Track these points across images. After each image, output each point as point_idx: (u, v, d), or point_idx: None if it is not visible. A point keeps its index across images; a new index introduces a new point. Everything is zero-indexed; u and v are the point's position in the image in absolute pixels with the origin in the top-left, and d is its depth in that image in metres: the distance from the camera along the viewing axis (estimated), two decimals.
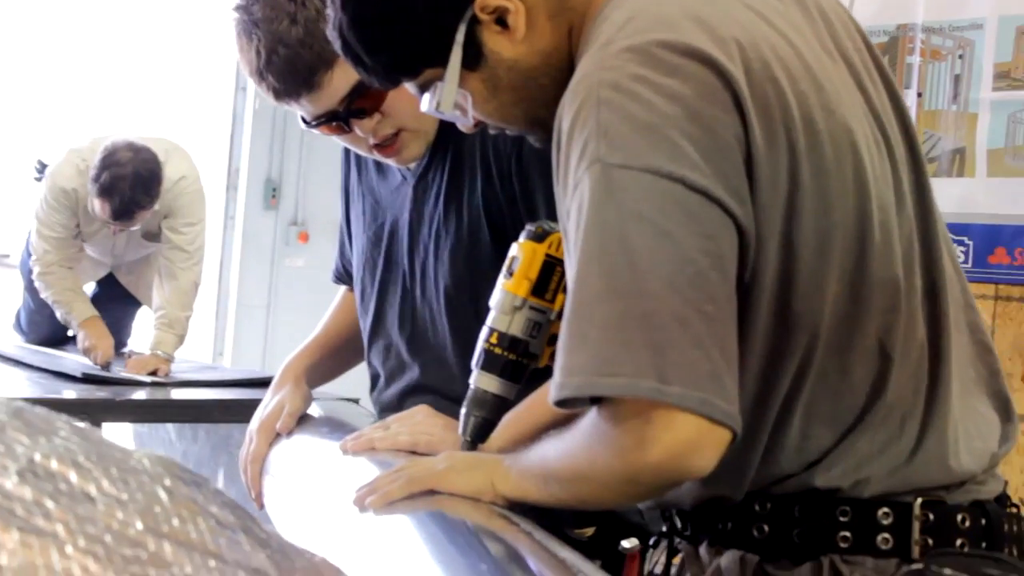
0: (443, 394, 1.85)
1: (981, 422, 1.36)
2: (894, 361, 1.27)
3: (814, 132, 1.24)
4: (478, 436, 1.52)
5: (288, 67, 1.75)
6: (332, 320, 2.27)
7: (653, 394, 1.12)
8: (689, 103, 1.19)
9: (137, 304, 4.55)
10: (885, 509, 1.27)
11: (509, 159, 1.81)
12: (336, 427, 1.98)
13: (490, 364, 1.51)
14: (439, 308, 1.91)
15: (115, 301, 4.46)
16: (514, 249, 1.53)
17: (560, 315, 1.51)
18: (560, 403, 1.19)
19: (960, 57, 3.10)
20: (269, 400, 2.08)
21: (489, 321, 1.53)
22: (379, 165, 2.01)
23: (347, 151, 2.13)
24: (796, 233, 1.22)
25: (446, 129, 1.85)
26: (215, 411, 3.39)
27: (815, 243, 1.23)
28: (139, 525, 0.88)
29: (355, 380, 2.37)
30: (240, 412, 3.38)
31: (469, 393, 1.53)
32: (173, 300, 4.12)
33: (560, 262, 1.51)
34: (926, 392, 1.30)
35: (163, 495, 0.95)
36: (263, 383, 3.76)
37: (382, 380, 2.03)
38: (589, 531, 1.48)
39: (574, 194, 1.21)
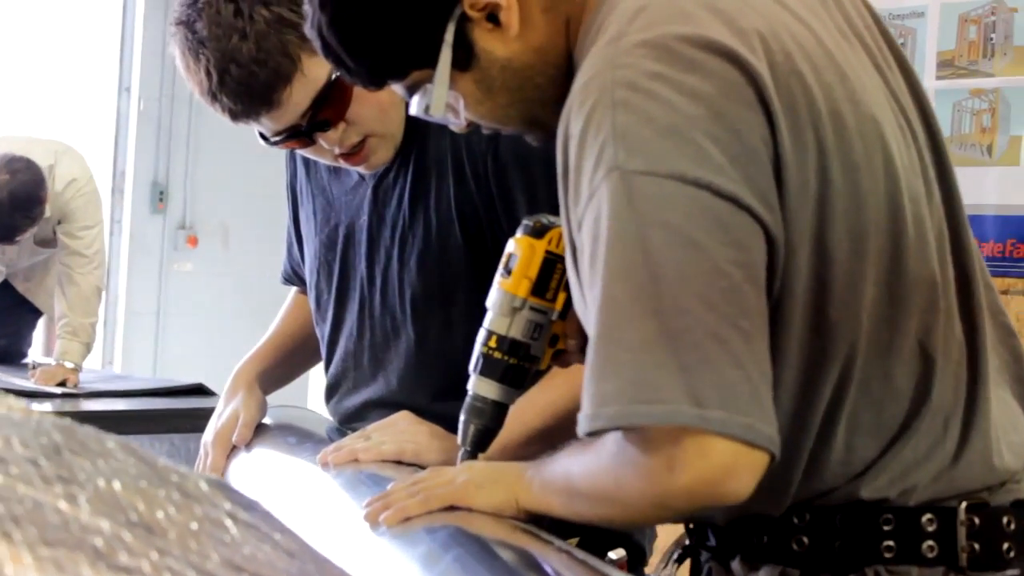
0: (409, 407, 1.79)
1: (1013, 414, 1.31)
2: (936, 362, 1.22)
3: (842, 126, 1.18)
4: (478, 446, 1.45)
5: (243, 87, 1.65)
6: (283, 323, 2.18)
7: (695, 421, 1.07)
8: (712, 102, 1.13)
9: (36, 312, 4.39)
10: (929, 515, 1.22)
11: (484, 158, 1.74)
12: (299, 437, 1.90)
13: (489, 369, 1.45)
14: (404, 317, 1.84)
15: (11, 309, 4.30)
16: (511, 246, 1.46)
17: (562, 315, 1.46)
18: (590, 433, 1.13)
19: (902, 45, 3.12)
20: (222, 410, 1.99)
21: (487, 323, 1.46)
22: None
23: (291, 163, 2.06)
24: (828, 236, 1.17)
25: (410, 127, 1.78)
26: (131, 423, 3.27)
27: (849, 245, 1.17)
28: (215, 557, 0.82)
29: (294, 387, 2.30)
30: (157, 423, 3.28)
31: (467, 400, 1.46)
32: (76, 307, 3.99)
33: (561, 259, 1.45)
34: (966, 390, 1.25)
35: (229, 523, 0.89)
36: (178, 392, 3.68)
37: (342, 389, 1.96)
38: (573, 541, 1.43)
39: (589, 204, 1.13)
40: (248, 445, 1.90)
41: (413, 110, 1.33)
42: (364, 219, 1.88)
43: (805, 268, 1.16)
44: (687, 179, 1.10)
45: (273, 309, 6.63)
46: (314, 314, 2.01)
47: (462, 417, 1.46)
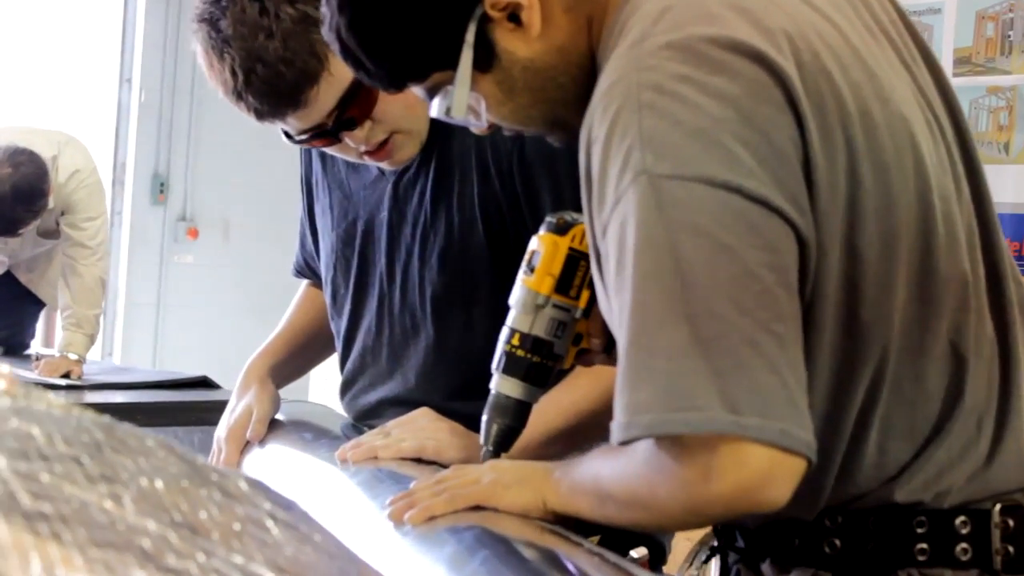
0: (426, 404, 1.77)
1: None
2: (968, 361, 1.21)
3: (872, 126, 1.17)
4: (501, 445, 1.44)
5: (269, 87, 1.62)
6: (295, 316, 2.16)
7: (731, 428, 1.05)
8: (740, 104, 1.11)
9: (39, 304, 4.38)
10: (963, 518, 1.21)
11: (510, 157, 1.73)
12: (314, 433, 1.89)
13: (512, 367, 1.43)
14: (424, 314, 1.83)
15: (14, 300, 4.29)
16: (534, 243, 1.45)
17: (586, 313, 1.45)
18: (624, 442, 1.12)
19: None
20: (235, 404, 1.98)
21: (510, 321, 1.45)
22: None
23: (306, 157, 2.04)
24: (859, 237, 1.15)
25: (434, 123, 1.77)
26: (136, 415, 3.25)
27: (880, 246, 1.16)
28: (259, 558, 0.82)
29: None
30: (162, 416, 3.26)
31: (490, 399, 1.45)
32: (80, 298, 3.97)
33: (584, 256, 1.44)
34: (999, 389, 1.24)
35: (270, 523, 0.88)
36: (183, 385, 3.67)
37: (358, 386, 1.95)
38: (594, 539, 1.42)
39: (615, 209, 1.12)
40: (262, 441, 1.88)
41: (434, 112, 1.32)
42: (384, 215, 1.86)
43: (836, 270, 1.15)
44: (716, 182, 1.09)
45: (273, 302, 6.62)
46: (330, 309, 2.00)
47: (485, 416, 1.45)
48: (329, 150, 1.78)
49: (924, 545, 1.21)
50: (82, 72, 6.38)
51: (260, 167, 6.45)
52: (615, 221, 1.12)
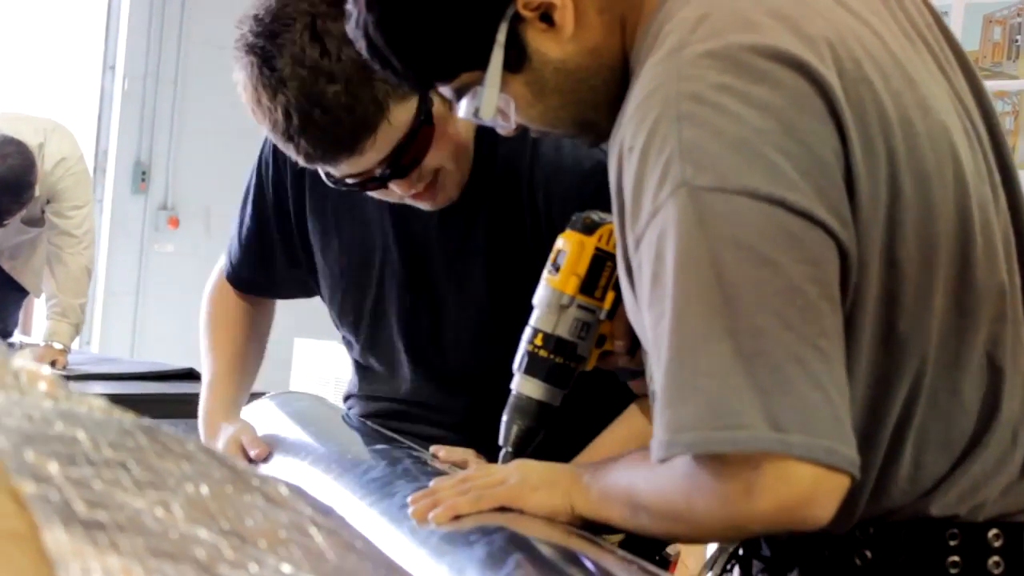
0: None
1: None
2: (1005, 373, 1.19)
3: (912, 135, 1.15)
4: (521, 447, 1.42)
5: (326, 135, 1.53)
6: (231, 343, 2.03)
7: (776, 446, 1.03)
8: (782, 114, 1.09)
9: (22, 292, 4.33)
10: (995, 531, 1.19)
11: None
12: (319, 439, 1.83)
13: (534, 368, 1.42)
14: (455, 358, 1.80)
15: None
16: (560, 242, 1.43)
17: (610, 314, 1.43)
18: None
19: None
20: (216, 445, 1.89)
21: (533, 320, 1.43)
22: None
23: (274, 154, 1.89)
24: (899, 249, 1.13)
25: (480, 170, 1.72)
26: (121, 407, 3.21)
27: (919, 257, 1.14)
28: (307, 567, 0.79)
29: None
30: (148, 407, 3.22)
31: (511, 399, 1.43)
32: (65, 287, 3.93)
33: (611, 256, 1.42)
34: None
35: (313, 530, 0.86)
36: (169, 377, 3.63)
37: (368, 403, 1.92)
38: (616, 538, 1.40)
39: (651, 222, 1.10)
40: (267, 459, 1.81)
41: (461, 113, 1.30)
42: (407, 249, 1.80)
43: (875, 282, 1.13)
44: (759, 195, 1.06)
45: None
46: (338, 321, 1.93)
47: (505, 417, 1.43)
48: (372, 193, 1.70)
49: (956, 558, 1.20)
50: (65, 58, 6.32)
51: (242, 157, 6.28)
52: (651, 233, 1.10)
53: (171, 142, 6.44)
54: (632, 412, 1.67)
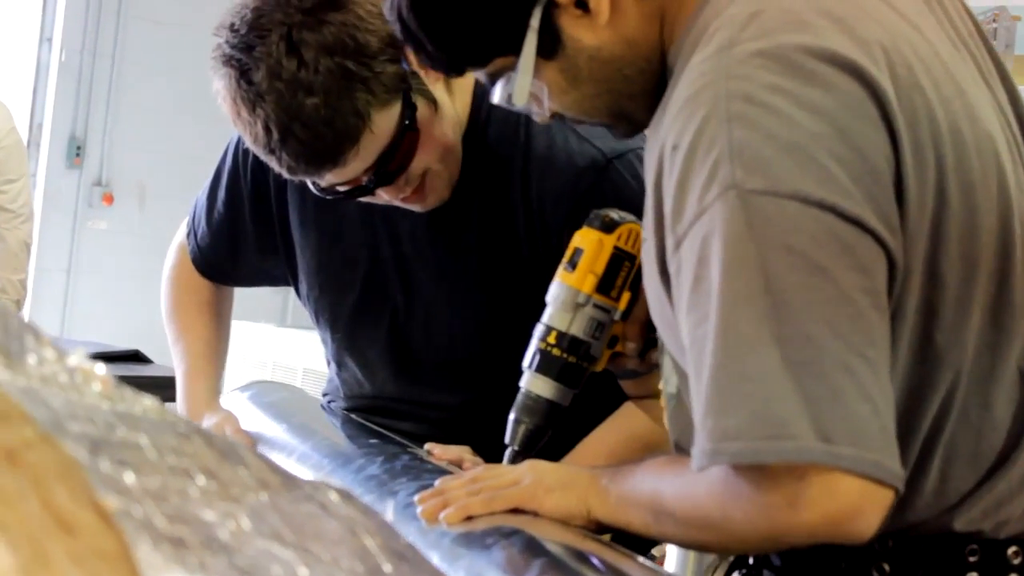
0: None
1: None
2: None
3: (961, 144, 1.13)
4: (528, 446, 1.39)
5: (307, 149, 1.50)
6: (204, 328, 1.97)
7: (825, 458, 1.01)
8: (835, 119, 1.06)
9: None
10: (1015, 548, 1.18)
11: (560, 232, 1.61)
12: (299, 435, 1.78)
13: (546, 366, 1.38)
14: (448, 358, 1.76)
15: None
16: (577, 239, 1.40)
17: (625, 315, 1.40)
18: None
19: None
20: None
21: (546, 318, 1.39)
22: None
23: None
24: (942, 260, 1.11)
25: (471, 172, 1.68)
26: None
27: (961, 269, 1.12)
28: (361, 569, 0.76)
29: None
30: None
31: (519, 398, 1.39)
32: (3, 263, 3.84)
33: (629, 256, 1.39)
34: None
35: (369, 542, 0.82)
36: (114, 358, 3.54)
37: (346, 395, 1.87)
38: (606, 537, 1.37)
39: (696, 224, 1.07)
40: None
41: (495, 99, 1.27)
42: (393, 248, 1.76)
43: (916, 293, 1.11)
44: (811, 200, 1.04)
45: None
46: (319, 323, 1.88)
47: (512, 415, 1.40)
48: (361, 198, 1.66)
49: (975, 574, 1.18)
50: (1, 30, 6.17)
51: (180, 135, 6.31)
52: (695, 235, 1.07)
53: (107, 117, 6.32)
54: (625, 412, 1.64)
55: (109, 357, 3.54)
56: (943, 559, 1.18)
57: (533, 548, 1.16)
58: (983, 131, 1.15)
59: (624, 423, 1.63)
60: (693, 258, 1.07)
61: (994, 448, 1.17)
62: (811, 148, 1.05)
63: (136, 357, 3.53)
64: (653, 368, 1.46)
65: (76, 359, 0.72)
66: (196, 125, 6.34)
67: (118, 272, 6.37)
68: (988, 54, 1.27)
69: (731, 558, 1.38)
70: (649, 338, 1.41)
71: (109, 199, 6.38)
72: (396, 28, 1.27)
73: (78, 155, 6.28)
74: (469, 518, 1.25)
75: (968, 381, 1.15)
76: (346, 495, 0.86)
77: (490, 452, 1.62)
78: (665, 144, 1.12)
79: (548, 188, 1.64)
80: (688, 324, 1.09)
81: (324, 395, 1.95)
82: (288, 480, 0.81)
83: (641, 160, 1.63)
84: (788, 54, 1.09)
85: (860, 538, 1.05)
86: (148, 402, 0.76)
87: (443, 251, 1.72)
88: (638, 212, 1.48)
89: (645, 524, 1.20)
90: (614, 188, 1.61)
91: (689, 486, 1.13)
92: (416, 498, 1.29)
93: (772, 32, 1.10)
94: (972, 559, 1.18)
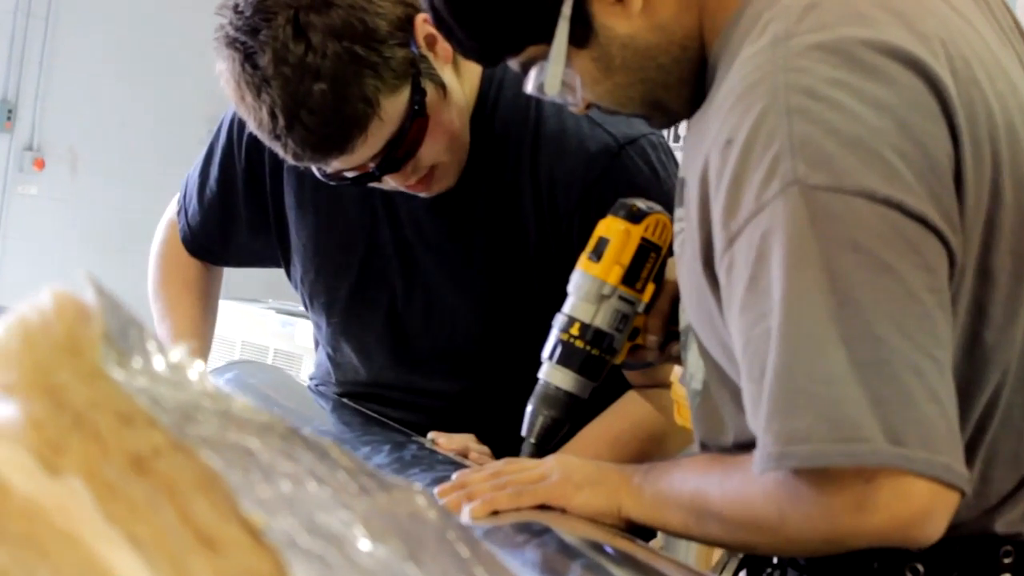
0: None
1: None
2: None
3: (1016, 140, 1.11)
4: (546, 438, 1.36)
5: (314, 136, 1.47)
6: (191, 307, 1.93)
7: (898, 461, 0.99)
8: (898, 113, 1.05)
9: None
10: None
11: (570, 218, 1.62)
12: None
13: (568, 358, 1.35)
14: (449, 344, 1.73)
15: None
16: (602, 227, 1.37)
17: (648, 308, 1.37)
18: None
19: None
20: None
21: (568, 309, 1.36)
22: None
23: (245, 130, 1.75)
24: (993, 257, 1.10)
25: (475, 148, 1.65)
26: None
27: (1012, 266, 1.11)
28: None
29: None
30: None
31: (538, 389, 1.36)
32: None
33: (655, 247, 1.36)
34: None
35: (461, 549, 0.78)
36: None
37: (338, 380, 1.82)
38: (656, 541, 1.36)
39: (754, 219, 1.05)
40: None
41: (528, 88, 1.24)
42: (397, 233, 1.73)
43: (967, 291, 1.10)
44: (877, 197, 1.02)
45: (119, 241, 6.34)
46: (311, 305, 1.84)
47: (530, 406, 1.37)
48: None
49: (1009, 575, 1.17)
50: None
51: (115, 100, 6.19)
52: (752, 232, 1.05)
53: (40, 80, 6.17)
54: (629, 400, 1.62)
55: None
56: (978, 560, 1.17)
57: (568, 548, 1.12)
58: None
59: (628, 411, 1.61)
60: (750, 255, 1.05)
61: None
62: (874, 143, 1.03)
63: None
64: (671, 360, 1.44)
65: (178, 353, 0.68)
66: (131, 90, 6.25)
67: (50, 239, 6.24)
68: None
69: (740, 555, 1.36)
70: (670, 331, 1.39)
71: (40, 164, 6.25)
72: (429, 17, 1.24)
73: (9, 119, 6.14)
74: (495, 513, 1.22)
75: (1012, 381, 1.14)
76: (430, 497, 0.82)
77: (489, 441, 1.59)
78: (716, 137, 1.09)
79: (558, 173, 1.61)
80: (742, 322, 1.06)
81: (311, 379, 1.90)
82: (379, 481, 0.78)
83: (654, 146, 1.61)
84: (848, 47, 1.06)
85: (927, 542, 1.03)
86: (237, 399, 0.72)
87: (446, 235, 1.68)
88: (650, 198, 1.46)
89: (685, 525, 1.18)
90: (626, 174, 1.58)
91: (740, 487, 1.10)
92: (437, 491, 1.25)
93: (831, 25, 1.08)
94: (1007, 560, 1.17)
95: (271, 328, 4.07)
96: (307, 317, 3.82)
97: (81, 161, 6.34)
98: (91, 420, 0.59)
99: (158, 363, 0.65)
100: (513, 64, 1.26)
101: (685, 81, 1.21)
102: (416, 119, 1.51)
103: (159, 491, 0.56)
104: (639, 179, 1.57)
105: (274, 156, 1.74)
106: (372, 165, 1.53)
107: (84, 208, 6.29)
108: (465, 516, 1.20)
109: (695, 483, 1.18)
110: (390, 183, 1.58)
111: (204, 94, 5.61)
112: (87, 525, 0.55)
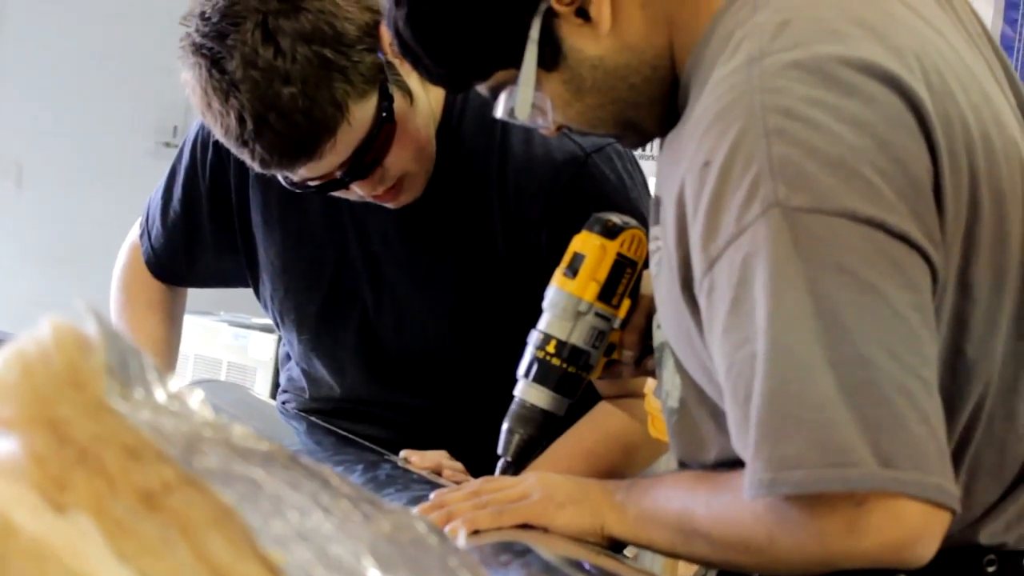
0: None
1: None
2: None
3: (991, 151, 1.11)
4: (521, 457, 1.35)
5: (283, 140, 1.45)
6: (155, 329, 1.90)
7: (890, 485, 0.99)
8: (877, 131, 1.04)
9: None
10: None
11: (538, 228, 1.60)
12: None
13: (544, 376, 1.34)
14: (421, 358, 1.72)
15: None
16: (576, 243, 1.36)
17: (624, 323, 1.36)
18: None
19: None
20: None
21: (543, 326, 1.35)
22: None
23: (216, 147, 1.73)
24: (973, 271, 1.10)
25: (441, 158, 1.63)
26: None
27: (991, 279, 1.11)
28: None
29: None
30: None
31: (513, 407, 1.35)
32: None
33: (631, 263, 1.35)
34: None
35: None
36: None
37: (311, 396, 1.81)
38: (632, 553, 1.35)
39: (734, 243, 1.04)
40: None
41: (498, 113, 1.23)
42: (364, 248, 1.71)
43: (949, 304, 1.09)
44: (859, 217, 1.02)
45: (69, 256, 6.23)
46: (283, 325, 1.81)
47: (506, 424, 1.36)
48: (333, 193, 1.60)
49: None
50: None
51: (62, 110, 6.11)
52: (733, 255, 1.04)
53: None
54: (601, 411, 1.62)
55: None
56: (962, 571, 1.17)
57: (551, 568, 1.12)
58: (1008, 137, 1.14)
59: (600, 423, 1.61)
60: (732, 278, 1.04)
61: (1017, 460, 1.16)
62: (854, 163, 1.03)
63: None
64: (645, 374, 1.43)
65: (176, 383, 0.66)
66: (79, 103, 6.18)
67: None
68: (996, 58, 1.26)
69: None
70: (645, 345, 1.38)
71: None
72: (394, 43, 1.22)
73: None
74: (475, 532, 1.21)
75: (994, 393, 1.14)
76: (429, 523, 0.81)
77: (462, 457, 1.58)
78: (692, 159, 1.09)
79: (526, 183, 1.61)
80: (725, 346, 1.06)
81: (283, 392, 1.89)
82: (378, 507, 0.76)
83: (620, 154, 1.62)
84: (824, 65, 1.06)
85: (919, 563, 1.03)
86: (237, 428, 0.71)
87: (415, 248, 1.67)
88: (617, 206, 1.46)
89: (671, 543, 1.17)
90: (593, 183, 1.59)
91: (728, 507, 1.10)
92: (414, 511, 1.23)
93: (805, 42, 1.08)
94: (990, 569, 1.17)
95: (224, 341, 4.03)
96: (260, 329, 3.82)
97: (27, 174, 6.26)
98: (96, 454, 0.58)
99: (159, 394, 0.64)
100: (482, 89, 1.24)
101: (657, 100, 1.20)
102: (384, 125, 1.51)
103: (172, 527, 0.55)
104: (606, 187, 1.57)
105: (239, 175, 1.74)
106: (339, 173, 1.52)
107: (31, 224, 6.21)
108: (461, 540, 1.19)
109: (681, 501, 1.17)
110: (357, 192, 1.57)
111: (154, 107, 5.57)
112: (99, 564, 0.53)
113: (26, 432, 0.59)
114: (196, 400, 0.67)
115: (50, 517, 0.56)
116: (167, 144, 5.41)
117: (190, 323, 4.24)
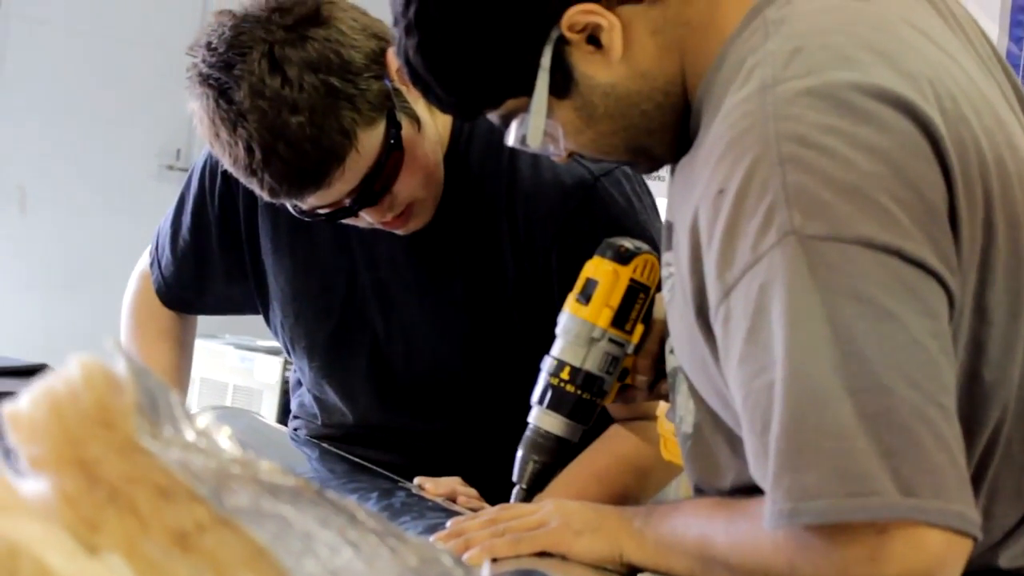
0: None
1: None
2: None
3: (1006, 175, 1.11)
4: (536, 484, 1.35)
5: (292, 169, 1.45)
6: (164, 356, 1.90)
7: (912, 513, 0.98)
8: (891, 158, 1.04)
9: None
10: None
11: (548, 252, 1.60)
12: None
13: (558, 403, 1.34)
14: (432, 383, 1.72)
15: None
16: (589, 269, 1.35)
17: (637, 349, 1.36)
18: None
19: None
20: None
21: (557, 352, 1.35)
22: None
23: (224, 175, 1.72)
24: (989, 294, 1.10)
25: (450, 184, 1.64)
26: None
27: (1007, 303, 1.10)
28: None
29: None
30: None
31: (528, 434, 1.35)
32: None
33: (644, 288, 1.35)
34: None
35: None
36: (17, 373, 3.39)
37: (324, 423, 1.81)
38: None
39: (750, 271, 1.03)
40: None
41: (510, 141, 1.22)
42: (375, 275, 1.72)
43: (966, 329, 1.09)
44: (875, 245, 1.01)
45: (74, 280, 6.22)
46: (290, 348, 1.82)
47: (520, 451, 1.36)
48: (342, 220, 1.60)
49: None
50: None
51: (64, 135, 6.12)
52: (749, 284, 1.03)
53: None
54: (613, 434, 1.62)
55: (13, 372, 3.39)
56: None
57: None
58: (1022, 160, 1.14)
59: (613, 446, 1.61)
60: (748, 307, 1.04)
61: None
62: (870, 190, 1.02)
63: (43, 370, 3.38)
64: (659, 398, 1.43)
65: (204, 420, 0.66)
66: (82, 129, 6.19)
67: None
68: (1006, 77, 1.26)
69: None
70: (659, 370, 1.38)
71: None
72: (405, 72, 1.22)
73: None
74: (493, 560, 1.21)
75: (1012, 416, 1.14)
76: (454, 557, 0.81)
77: (475, 482, 1.58)
78: (706, 187, 1.08)
79: (535, 207, 1.61)
80: (741, 374, 1.05)
81: (295, 418, 1.89)
82: (404, 541, 0.76)
83: (628, 177, 1.62)
84: (838, 92, 1.05)
85: None
86: (263, 463, 0.71)
87: (425, 274, 1.67)
88: (626, 229, 1.45)
89: (690, 570, 1.17)
90: (602, 206, 1.59)
91: (747, 535, 1.09)
92: (432, 539, 1.23)
93: (818, 69, 1.07)
94: None
95: (230, 364, 4.03)
96: (266, 352, 3.81)
97: (31, 200, 6.26)
98: (127, 494, 0.58)
99: (188, 431, 0.64)
100: (493, 117, 1.24)
101: (669, 126, 1.20)
102: (392, 152, 1.51)
103: (206, 568, 0.55)
104: (615, 210, 1.58)
105: (248, 203, 1.74)
106: (348, 200, 1.52)
107: (35, 249, 6.21)
108: (486, 573, 1.18)
109: (700, 528, 1.17)
110: (366, 219, 1.57)
111: (157, 130, 5.58)
112: None
113: (57, 472, 0.59)
114: (224, 436, 0.67)
115: (83, 559, 0.55)
116: (170, 167, 5.42)
117: (196, 346, 4.26)
